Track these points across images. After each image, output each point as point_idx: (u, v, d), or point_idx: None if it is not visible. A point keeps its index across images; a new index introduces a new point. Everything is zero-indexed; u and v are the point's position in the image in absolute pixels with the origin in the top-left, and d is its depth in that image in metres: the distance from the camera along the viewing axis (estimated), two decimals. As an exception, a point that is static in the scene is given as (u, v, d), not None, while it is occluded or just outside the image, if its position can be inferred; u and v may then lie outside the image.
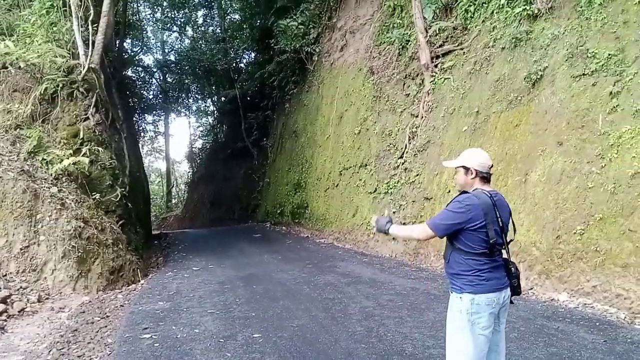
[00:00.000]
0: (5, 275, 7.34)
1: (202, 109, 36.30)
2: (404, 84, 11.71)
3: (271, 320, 5.84)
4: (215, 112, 34.19)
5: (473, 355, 2.86)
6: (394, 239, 10.45)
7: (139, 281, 8.91)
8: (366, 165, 12.33)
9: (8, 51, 9.33)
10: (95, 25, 10.72)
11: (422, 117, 10.73)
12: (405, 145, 10.92)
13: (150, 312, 6.53)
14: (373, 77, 12.94)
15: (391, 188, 10.93)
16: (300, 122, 18.12)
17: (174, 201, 40.00)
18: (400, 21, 12.38)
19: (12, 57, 9.31)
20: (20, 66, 9.29)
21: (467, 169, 3.01)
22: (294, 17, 17.22)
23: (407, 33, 11.86)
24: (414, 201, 10.15)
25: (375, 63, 13.02)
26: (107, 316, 6.41)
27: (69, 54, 10.10)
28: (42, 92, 9.26)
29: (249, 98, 26.34)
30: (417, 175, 10.29)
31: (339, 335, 5.14)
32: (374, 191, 11.61)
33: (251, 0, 24.86)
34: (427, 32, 10.79)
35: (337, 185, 13.79)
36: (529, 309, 5.83)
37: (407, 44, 11.88)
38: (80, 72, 9.87)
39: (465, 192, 3.02)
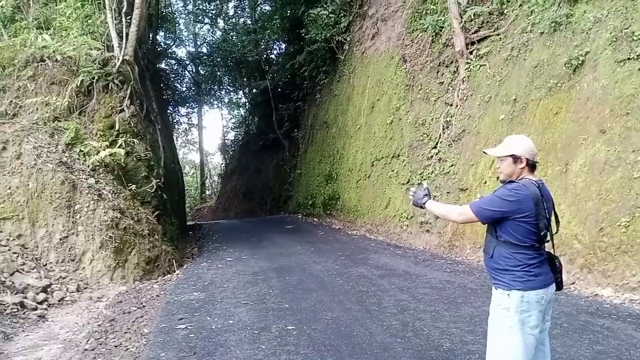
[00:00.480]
0: (46, 264, 7.53)
1: (234, 100, 36.55)
2: (437, 72, 11.44)
3: (305, 312, 5.79)
4: (247, 103, 34.36)
5: (522, 357, 2.69)
6: (428, 230, 10.27)
7: (175, 271, 9.01)
8: (399, 155, 12.13)
9: (45, 44, 9.52)
10: (129, 17, 10.82)
11: (457, 105, 10.46)
12: (440, 135, 10.68)
13: (186, 302, 6.57)
14: (405, 65, 12.68)
15: (425, 179, 10.71)
16: (331, 112, 17.99)
17: (207, 192, 40.62)
18: (434, 7, 12.06)
19: (49, 51, 9.50)
20: (57, 59, 9.46)
21: (516, 158, 2.82)
22: (325, 5, 17.04)
23: (441, 19, 11.54)
24: (448, 192, 9.92)
25: (408, 51, 12.75)
26: (143, 306, 6.49)
27: (104, 46, 10.24)
28: (78, 84, 9.42)
29: (279, 89, 26.31)
30: (452, 165, 10.06)
31: (373, 328, 5.05)
32: (407, 182, 11.42)
33: (282, -11, 24.77)
34: (461, 17, 10.49)
35: (369, 177, 13.64)
36: (571, 305, 5.61)
37: (440, 30, 11.57)
38: (115, 64, 9.98)
39: (512, 181, 2.84)
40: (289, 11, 23.83)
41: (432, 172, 10.57)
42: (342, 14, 17.04)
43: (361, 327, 5.12)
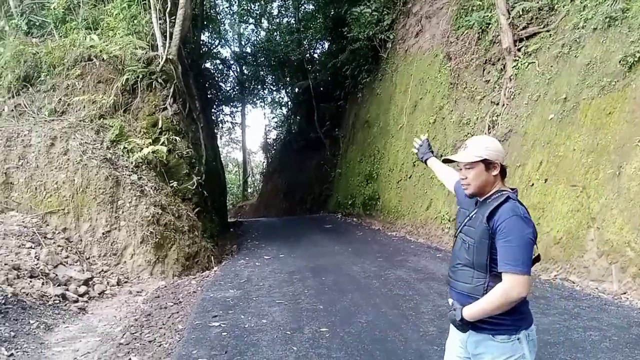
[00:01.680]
0: (88, 258, 7.74)
1: (276, 100, 36.82)
2: (483, 70, 11.08)
3: (339, 314, 5.68)
4: (289, 103, 34.55)
5: None
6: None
7: (213, 268, 9.09)
8: (442, 156, 11.82)
9: (93, 44, 9.82)
10: (173, 17, 11.01)
11: (504, 104, 10.09)
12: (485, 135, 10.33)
13: (221, 299, 6.59)
14: (450, 63, 12.36)
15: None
16: (372, 111, 17.80)
17: (249, 190, 41.10)
18: (480, 3, 11.69)
19: (96, 50, 9.79)
20: (103, 58, 9.74)
21: (489, 164, 2.29)
22: (368, 3, 16.86)
23: (488, 15, 11.18)
24: (493, 194, 9.57)
25: (453, 48, 12.42)
26: (180, 302, 6.55)
27: (148, 45, 10.47)
28: (123, 83, 9.66)
29: (321, 88, 26.29)
30: (497, 166, 9.70)
31: (409, 334, 4.89)
32: (450, 183, 11.12)
33: (325, -12, 24.74)
34: (509, 13, 10.11)
35: (410, 177, 13.38)
36: (622, 316, 5.25)
37: (487, 27, 11.20)
38: (159, 63, 10.18)
39: (493, 196, 2.30)
40: (331, 10, 23.76)
41: (476, 173, 10.25)
42: (385, 12, 16.83)
43: (396, 332, 4.97)
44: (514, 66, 9.94)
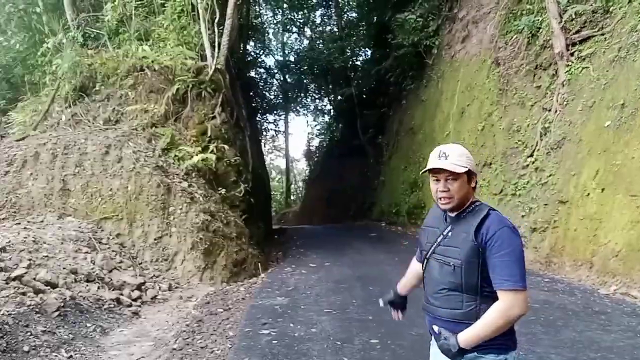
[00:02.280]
0: (141, 263, 7.93)
1: (319, 107, 37.03)
2: (534, 75, 10.75)
3: (389, 325, 5.57)
4: (332, 110, 34.65)
5: None
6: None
7: (260, 275, 9.15)
8: (490, 164, 11.53)
9: (145, 55, 10.13)
10: (221, 28, 11.24)
11: (556, 111, 9.75)
12: (537, 143, 10.00)
13: (269, 307, 6.61)
14: (499, 68, 12.06)
15: (519, 189, 10.08)
16: (417, 118, 17.58)
17: (292, 197, 41.40)
18: (530, 7, 11.38)
19: (148, 61, 10.10)
20: (155, 69, 10.04)
21: (471, 175, 2.17)
22: (413, 10, 16.71)
23: (538, 20, 10.86)
24: (546, 204, 9.23)
25: (501, 54, 12.12)
26: (229, 308, 6.60)
27: (198, 56, 10.72)
28: (174, 92, 9.92)
29: (364, 95, 26.23)
30: (550, 175, 9.35)
31: (463, 348, 4.73)
32: (500, 192, 10.81)
33: (368, -4, 24.77)
34: (561, 17, 9.79)
35: (457, 185, 13.10)
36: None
37: (537, 31, 10.88)
38: (208, 73, 10.40)
39: (465, 209, 2.17)
40: (375, 17, 23.74)
41: (528, 182, 9.92)
42: (430, 18, 16.64)
43: (450, 345, 4.82)
44: (567, 71, 9.60)
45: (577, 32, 9.62)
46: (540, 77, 10.51)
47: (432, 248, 2.24)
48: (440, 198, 2.17)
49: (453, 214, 2.20)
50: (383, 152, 22.13)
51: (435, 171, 2.16)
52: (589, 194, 8.15)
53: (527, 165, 10.11)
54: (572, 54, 9.63)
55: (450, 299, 2.13)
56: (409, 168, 17.49)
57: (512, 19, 12.01)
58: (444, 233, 2.21)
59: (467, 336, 2.03)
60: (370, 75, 23.51)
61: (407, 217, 16.53)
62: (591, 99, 8.74)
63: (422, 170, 2.27)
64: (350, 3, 29.09)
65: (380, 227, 17.89)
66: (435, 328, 2.20)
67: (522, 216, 9.60)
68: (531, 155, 10.08)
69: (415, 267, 2.65)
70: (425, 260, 2.29)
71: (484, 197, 11.39)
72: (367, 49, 28.21)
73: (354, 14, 29.07)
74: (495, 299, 2.01)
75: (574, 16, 9.63)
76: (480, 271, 2.04)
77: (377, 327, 5.49)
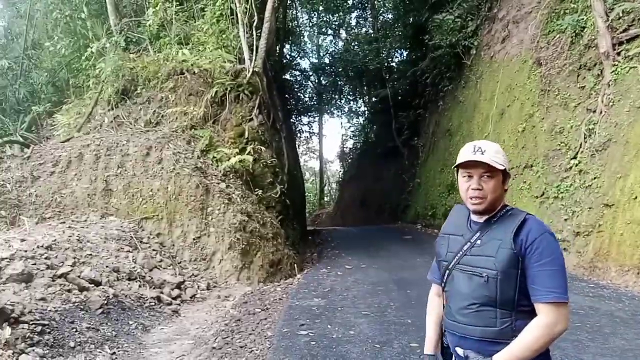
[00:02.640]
0: (180, 262, 8.07)
1: (353, 109, 36.98)
2: (578, 76, 10.42)
3: (429, 329, 5.49)
4: (366, 112, 34.55)
5: None
6: (565, 249, 9.35)
7: (296, 275, 9.17)
8: (532, 166, 11.23)
9: (185, 59, 10.33)
10: (259, 31, 11.35)
11: (602, 112, 9.42)
12: (580, 144, 9.68)
13: (307, 308, 6.61)
14: (540, 69, 11.74)
15: (562, 192, 9.78)
16: (455, 120, 17.31)
17: (326, 199, 41.45)
18: (574, 6, 11.04)
19: (188, 64, 10.29)
20: (194, 72, 10.22)
21: (506, 175, 1.98)
22: (450, 10, 16.48)
23: (583, 19, 10.52)
24: (590, 208, 8.93)
25: (543, 54, 11.80)
26: (267, 308, 6.64)
27: (236, 59, 10.85)
28: (213, 95, 10.07)
29: (400, 97, 26.03)
30: (595, 178, 9.04)
31: (506, 354, 4.62)
32: (541, 195, 10.51)
33: (405, -3, 24.60)
34: (607, 15, 9.46)
35: (497, 188, 12.83)
36: None
37: (582, 30, 10.54)
38: (246, 76, 10.52)
39: (499, 211, 1.97)
40: (411, 18, 23.54)
41: (571, 185, 9.62)
42: (469, 18, 16.37)
43: (492, 350, 4.71)
44: (613, 71, 9.27)
45: (625, 30, 9.28)
46: (585, 78, 10.18)
47: (457, 258, 1.98)
48: (471, 198, 1.94)
49: (482, 219, 1.97)
50: (419, 154, 21.90)
51: (469, 166, 1.94)
52: (636, 197, 7.85)
53: (570, 168, 9.81)
54: (618, 54, 9.29)
55: (482, 316, 1.87)
56: (445, 170, 17.24)
57: (554, 18, 11.69)
58: (471, 240, 1.96)
59: (504, 358, 1.78)
60: (406, 76, 23.33)
61: (443, 219, 16.11)
62: (639, 99, 8.42)
63: (454, 165, 2.03)
64: (386, 4, 28.96)
65: (416, 230, 17.70)
66: (460, 351, 1.93)
67: (565, 220, 9.32)
68: (574, 158, 9.78)
69: (437, 303, 2.26)
70: (447, 272, 2.02)
71: (525, 199, 11.13)
72: (402, 50, 28.02)
73: (390, 16, 28.94)
74: (532, 314, 1.80)
75: (620, 14, 9.30)
76: (517, 283, 1.82)
77: (417, 331, 5.41)
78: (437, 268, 2.17)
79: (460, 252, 1.97)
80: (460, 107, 16.80)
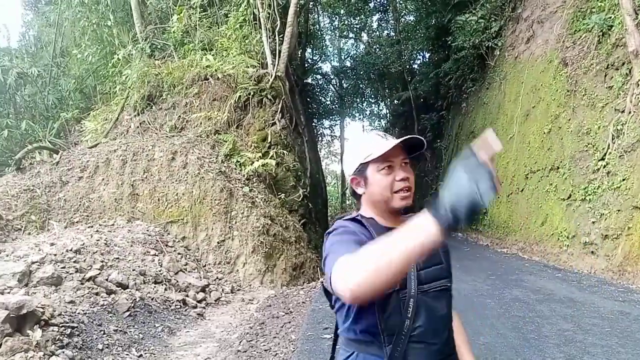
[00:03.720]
0: (205, 266, 8.15)
1: (375, 112, 36.95)
2: (605, 75, 10.19)
3: (454, 333, 5.44)
4: (388, 114, 34.44)
5: None
6: (592, 252, 9.15)
7: (318, 279, 9.17)
8: (558, 168, 11.04)
9: (209, 64, 10.46)
10: (281, 35, 11.42)
11: (630, 112, 9.20)
12: (608, 145, 9.47)
13: (329, 312, 6.57)
14: (566, 69, 11.54)
15: (589, 194, 9.58)
16: (479, 121, 17.11)
17: (347, 202, 41.35)
18: (601, 4, 10.82)
19: (212, 70, 10.41)
20: (218, 77, 10.34)
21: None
22: (474, 11, 16.32)
23: (610, 17, 10.30)
24: (619, 210, 8.73)
25: (569, 54, 11.59)
26: (291, 312, 6.66)
27: (259, 63, 10.95)
28: (236, 100, 10.17)
29: (422, 99, 25.88)
30: (624, 179, 8.83)
31: (533, 359, 4.55)
32: (568, 197, 10.32)
33: (427, -1, 24.48)
34: (636, 14, 9.23)
35: (522, 190, 12.63)
36: None
37: (609, 29, 10.32)
38: (268, 80, 10.59)
39: None
40: (433, 20, 23.40)
41: (599, 186, 9.41)
42: (492, 19, 16.18)
43: (518, 356, 4.64)
44: (643, 70, 9.06)
45: (654, 28, 9.05)
46: (612, 77, 9.96)
47: (413, 280, 1.45)
48: (400, 191, 1.55)
49: (393, 223, 1.58)
50: (441, 157, 21.73)
51: (389, 155, 1.52)
52: (668, 199, 7.65)
53: (598, 169, 9.60)
54: (648, 52, 9.07)
55: (451, 334, 1.57)
56: (469, 173, 17.05)
57: (580, 18, 11.47)
58: None
59: None
60: (429, 78, 23.19)
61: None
62: (670, 98, 8.21)
63: (362, 162, 1.58)
64: (408, 7, 28.83)
65: (439, 233, 17.52)
66: None
67: (593, 222, 9.13)
68: (602, 159, 9.57)
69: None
70: (413, 303, 1.44)
71: (551, 202, 10.95)
72: (424, 52, 27.88)
73: (412, 17, 28.79)
74: None
75: (650, 12, 9.08)
76: None
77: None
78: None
79: (412, 272, 1.46)
80: (484, 108, 16.61)
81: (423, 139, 1.60)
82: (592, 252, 9.22)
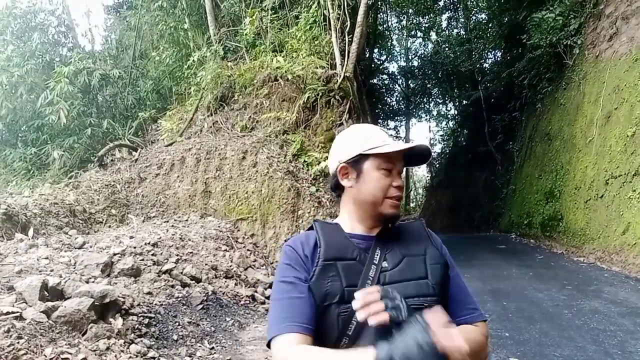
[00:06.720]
0: (272, 263, 8.30)
1: (442, 113, 36.19)
2: (700, 74, 9.45)
3: (528, 344, 5.21)
4: (456, 115, 33.62)
5: None
6: None
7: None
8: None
9: (279, 65, 10.64)
10: (350, 36, 11.42)
11: None
12: None
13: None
14: (655, 68, 10.79)
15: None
16: (554, 123, 16.32)
17: (412, 205, 40.81)
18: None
19: (281, 71, 10.59)
20: (288, 78, 10.49)
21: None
22: (551, 8, 15.57)
23: None
24: None
25: (658, 51, 10.83)
26: (357, 313, 6.64)
27: (327, 64, 11.00)
28: (305, 100, 10.28)
29: (493, 99, 25.04)
30: None
31: (618, 377, 4.28)
32: (654, 205, 9.64)
33: (499, -4, 23.67)
34: None
35: (602, 197, 11.91)
36: None
37: None
38: (337, 81, 10.62)
39: None
40: (506, 17, 22.57)
41: (691, 194, 8.73)
42: (571, 16, 15.37)
43: (601, 373, 4.39)
44: None
45: None
46: None
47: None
48: (392, 198, 1.46)
49: (374, 232, 1.47)
50: (513, 159, 20.93)
51: (394, 157, 1.45)
52: None
53: (690, 176, 8.90)
54: None
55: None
56: (543, 177, 16.31)
57: (671, 12, 10.68)
58: (375, 263, 1.38)
59: None
60: (500, 78, 22.40)
61: (540, 229, 15.41)
62: None
63: (359, 153, 1.45)
64: (480, 4, 28.01)
65: (510, 239, 16.90)
66: None
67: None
68: (696, 165, 8.86)
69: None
70: (346, 317, 1.29)
71: (634, 210, 10.25)
72: (496, 50, 26.98)
73: (483, 15, 27.96)
74: None
75: None
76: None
77: (516, 345, 5.16)
78: (312, 314, 1.34)
79: (369, 283, 1.33)
80: (561, 109, 15.82)
81: (431, 151, 1.54)
82: (682, 264, 8.56)
